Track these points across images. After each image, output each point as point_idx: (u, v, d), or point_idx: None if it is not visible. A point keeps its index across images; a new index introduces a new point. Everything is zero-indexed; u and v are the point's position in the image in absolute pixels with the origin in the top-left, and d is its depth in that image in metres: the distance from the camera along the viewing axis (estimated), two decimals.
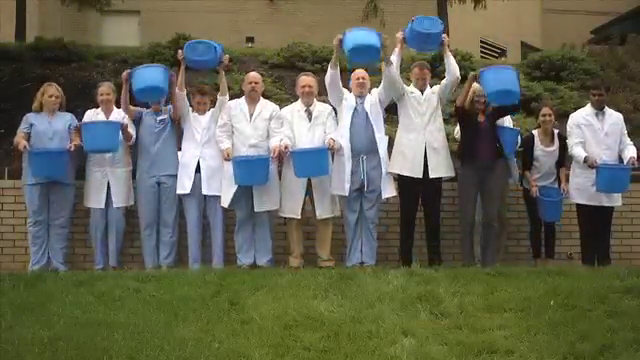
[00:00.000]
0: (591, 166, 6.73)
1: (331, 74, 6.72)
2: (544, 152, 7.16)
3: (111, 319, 4.70)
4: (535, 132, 7.27)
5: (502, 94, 6.52)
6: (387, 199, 6.90)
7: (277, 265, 6.71)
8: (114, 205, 6.83)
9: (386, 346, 4.27)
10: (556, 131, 7.24)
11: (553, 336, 4.42)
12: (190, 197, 6.80)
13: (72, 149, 6.60)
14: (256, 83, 6.92)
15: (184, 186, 6.78)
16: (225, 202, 6.74)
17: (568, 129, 7.03)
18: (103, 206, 6.83)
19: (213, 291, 5.33)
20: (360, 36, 6.50)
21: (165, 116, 6.91)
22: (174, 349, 4.17)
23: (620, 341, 4.30)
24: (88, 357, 4.06)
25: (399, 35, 6.80)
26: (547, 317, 4.73)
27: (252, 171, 6.53)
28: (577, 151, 6.89)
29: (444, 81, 6.89)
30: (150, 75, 6.67)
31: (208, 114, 6.90)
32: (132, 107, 6.90)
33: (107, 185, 6.81)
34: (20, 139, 6.64)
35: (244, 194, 6.70)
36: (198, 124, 6.86)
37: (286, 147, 6.63)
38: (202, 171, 6.77)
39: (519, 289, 5.31)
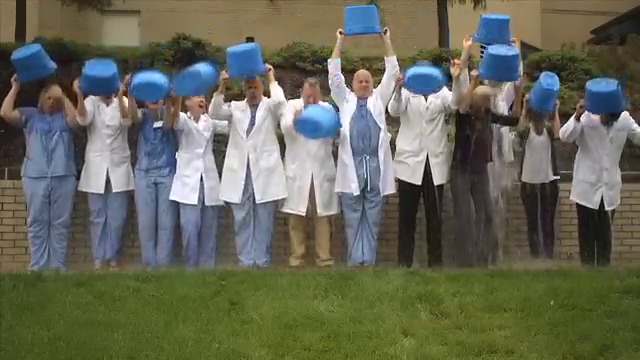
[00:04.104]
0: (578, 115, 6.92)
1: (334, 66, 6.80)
2: (536, 139, 7.29)
3: (111, 319, 4.69)
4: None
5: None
6: (387, 199, 6.90)
7: (277, 265, 6.70)
8: (113, 190, 6.84)
9: (386, 346, 4.26)
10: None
11: (553, 336, 4.42)
12: (193, 207, 6.80)
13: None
14: (255, 88, 6.92)
15: (188, 197, 6.78)
16: (235, 197, 6.74)
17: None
18: (102, 191, 6.83)
19: (213, 291, 5.33)
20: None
21: (161, 124, 6.93)
22: (174, 349, 4.17)
23: (620, 341, 4.31)
24: (88, 357, 4.06)
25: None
26: (547, 317, 4.73)
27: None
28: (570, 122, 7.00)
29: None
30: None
31: (207, 124, 6.93)
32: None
33: (106, 171, 6.83)
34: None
35: (247, 189, 6.72)
36: (198, 135, 6.89)
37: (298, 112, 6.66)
38: (205, 182, 6.80)
39: (519, 289, 5.31)
